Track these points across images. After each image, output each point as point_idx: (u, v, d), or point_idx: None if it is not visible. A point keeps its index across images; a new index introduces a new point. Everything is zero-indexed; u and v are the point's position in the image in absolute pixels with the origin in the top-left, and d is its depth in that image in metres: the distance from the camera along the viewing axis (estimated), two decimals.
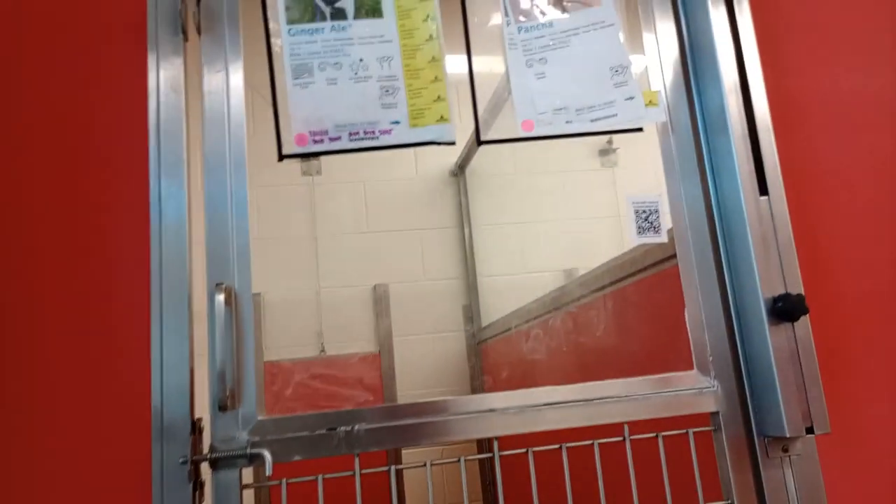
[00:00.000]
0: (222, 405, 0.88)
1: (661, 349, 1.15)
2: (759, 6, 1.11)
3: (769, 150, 1.03)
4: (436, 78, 1.05)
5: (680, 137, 1.07)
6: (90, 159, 1.00)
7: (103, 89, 1.04)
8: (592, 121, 1.06)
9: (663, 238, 1.04)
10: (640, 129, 1.06)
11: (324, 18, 1.04)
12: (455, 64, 1.06)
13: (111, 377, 0.93)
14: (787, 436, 0.92)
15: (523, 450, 0.95)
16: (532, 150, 1.07)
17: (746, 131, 1.02)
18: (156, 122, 0.96)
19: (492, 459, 0.95)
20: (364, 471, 0.91)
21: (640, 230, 1.04)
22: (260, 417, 0.90)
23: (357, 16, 1.04)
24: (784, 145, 1.05)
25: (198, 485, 0.88)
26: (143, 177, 0.96)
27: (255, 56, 1.03)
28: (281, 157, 1.02)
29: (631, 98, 1.06)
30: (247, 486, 0.90)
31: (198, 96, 0.99)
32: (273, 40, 1.03)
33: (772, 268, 0.99)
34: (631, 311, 1.16)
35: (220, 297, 0.91)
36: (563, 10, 1.08)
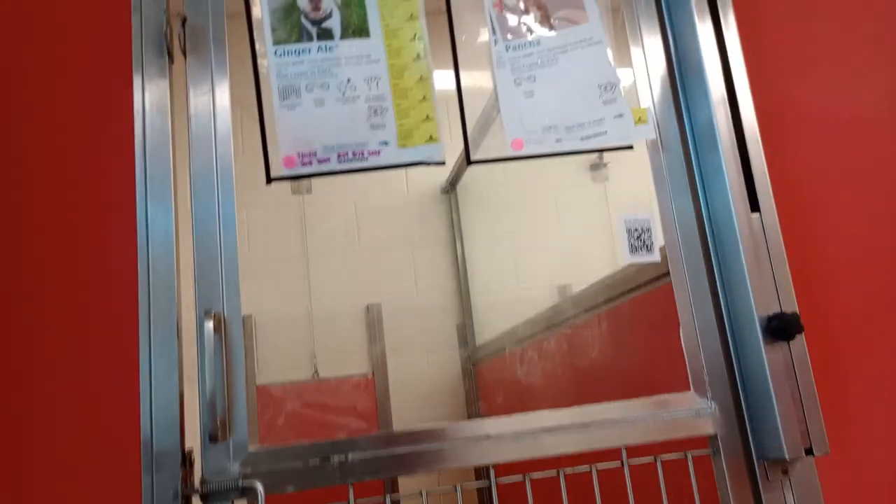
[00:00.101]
0: (213, 436, 0.86)
1: (657, 368, 1.14)
2: (745, 21, 1.11)
3: (759, 165, 1.03)
4: (424, 97, 1.04)
5: (670, 154, 1.07)
6: (77, 182, 0.99)
7: (89, 112, 1.03)
8: (582, 139, 1.06)
9: (656, 257, 1.03)
10: (630, 147, 1.06)
11: (310, 38, 1.03)
12: (444, 79, 1.05)
13: (99, 406, 0.92)
14: (787, 458, 0.91)
15: (520, 477, 0.93)
16: (523, 165, 1.06)
17: (736, 146, 1.02)
18: (142, 145, 0.95)
19: (489, 486, 0.93)
20: (359, 500, 0.90)
21: (633, 249, 1.04)
22: (252, 449, 0.89)
23: (344, 35, 1.04)
24: (774, 160, 1.05)
25: None
26: (129, 200, 0.94)
27: (242, 75, 1.02)
28: (269, 181, 1.01)
29: (620, 115, 1.06)
30: None
31: (184, 118, 0.98)
32: (260, 61, 1.02)
33: (766, 286, 0.98)
34: (625, 330, 1.16)
35: (210, 325, 0.89)
36: (551, 27, 1.08)
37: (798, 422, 0.93)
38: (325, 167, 1.01)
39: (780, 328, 0.93)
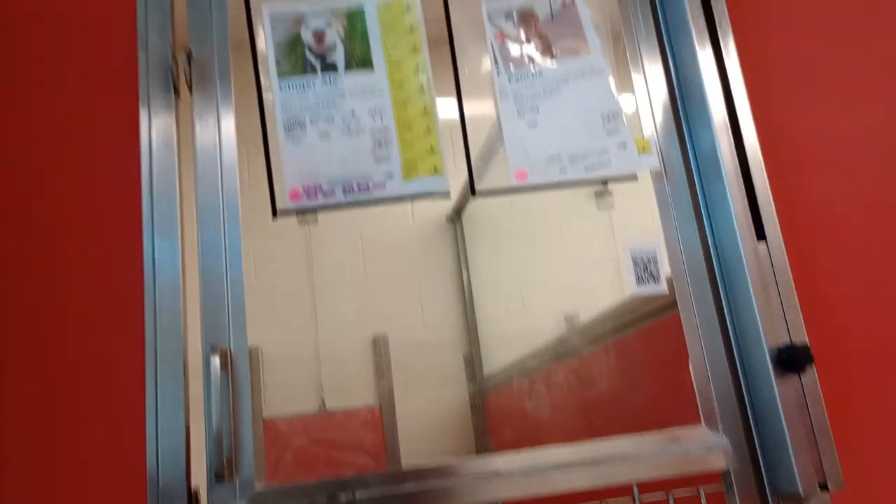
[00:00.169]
0: (220, 475, 0.86)
1: (666, 400, 1.12)
2: (746, 47, 1.12)
3: (763, 193, 1.02)
4: (428, 129, 1.04)
5: (674, 183, 1.07)
6: (84, 217, 1.00)
7: (96, 147, 1.04)
8: (586, 169, 1.06)
9: (663, 288, 1.03)
10: (634, 178, 1.06)
11: (314, 71, 1.04)
12: (448, 108, 1.06)
13: (105, 443, 0.91)
14: (801, 493, 0.89)
15: None
16: (528, 194, 1.07)
17: (740, 174, 1.02)
18: (148, 179, 0.95)
19: None
20: None
21: (640, 280, 1.03)
22: (258, 488, 0.88)
23: (348, 68, 1.04)
24: (778, 187, 1.05)
25: None
26: (136, 234, 0.95)
27: (248, 107, 1.02)
28: (275, 214, 1.02)
29: (623, 145, 1.06)
30: None
31: (190, 152, 0.99)
32: (264, 95, 1.03)
33: (774, 317, 0.97)
34: (634, 361, 1.14)
35: (216, 361, 0.89)
36: (553, 57, 1.09)
37: (811, 455, 0.92)
38: (330, 200, 1.02)
39: (791, 360, 0.92)
